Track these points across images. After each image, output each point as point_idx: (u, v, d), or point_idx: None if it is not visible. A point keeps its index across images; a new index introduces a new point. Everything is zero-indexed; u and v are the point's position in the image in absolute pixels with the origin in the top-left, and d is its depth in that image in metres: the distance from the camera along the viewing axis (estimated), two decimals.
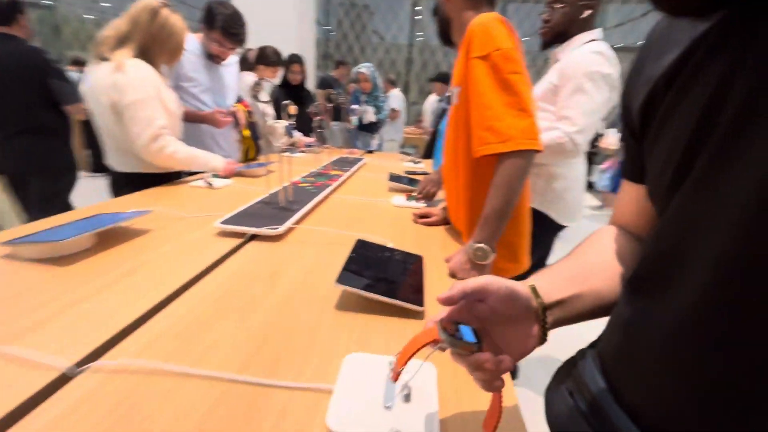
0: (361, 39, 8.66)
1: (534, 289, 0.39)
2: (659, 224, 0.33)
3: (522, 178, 0.79)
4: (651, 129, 0.36)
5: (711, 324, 0.27)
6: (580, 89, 1.20)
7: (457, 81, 0.94)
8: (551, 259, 1.54)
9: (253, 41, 2.23)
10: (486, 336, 0.38)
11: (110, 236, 0.86)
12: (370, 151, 2.76)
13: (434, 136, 1.93)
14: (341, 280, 0.64)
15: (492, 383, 0.35)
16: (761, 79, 0.24)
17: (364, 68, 2.98)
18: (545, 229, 1.40)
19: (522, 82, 0.78)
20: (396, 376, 0.36)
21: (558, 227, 1.45)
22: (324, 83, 3.76)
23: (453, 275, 0.81)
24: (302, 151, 2.43)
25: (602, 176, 4.53)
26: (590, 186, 4.94)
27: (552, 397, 0.45)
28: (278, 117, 2.11)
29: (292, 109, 1.03)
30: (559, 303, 0.40)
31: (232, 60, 1.73)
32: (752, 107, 0.25)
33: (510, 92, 0.78)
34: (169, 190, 1.31)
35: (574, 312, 0.41)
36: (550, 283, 0.42)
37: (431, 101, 4.13)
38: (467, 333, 0.34)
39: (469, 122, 0.87)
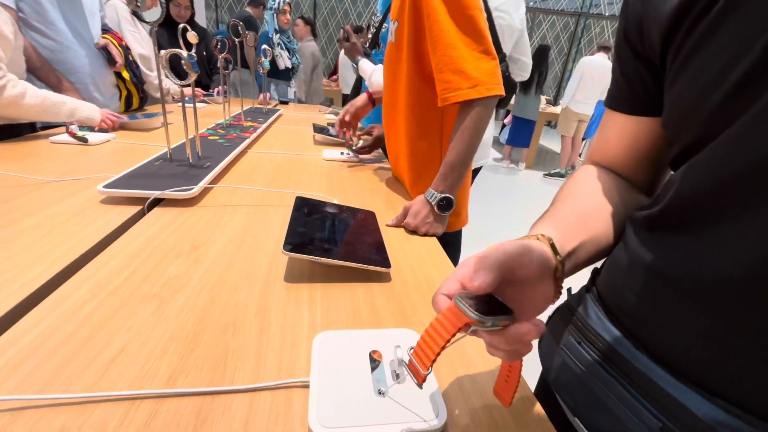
0: None
1: (553, 245, 0.33)
2: (716, 148, 0.28)
3: (486, 124, 0.73)
4: (684, 47, 0.30)
5: None
6: None
7: (396, 15, 0.82)
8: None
9: None
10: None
11: None
12: (285, 102, 2.48)
13: (358, 86, 1.77)
14: (290, 246, 0.52)
15: (521, 353, 0.29)
16: None
17: (280, 2, 2.51)
18: None
19: (483, 19, 0.70)
20: (422, 380, 0.27)
21: (474, 170, 1.46)
22: (251, 25, 3.19)
23: (415, 231, 0.73)
24: (203, 101, 2.06)
25: (505, 130, 4.87)
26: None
27: (550, 349, 0.42)
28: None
29: (192, 37, 0.79)
30: (569, 254, 0.34)
31: None
32: None
33: (474, 31, 0.69)
34: (19, 148, 0.97)
35: (579, 261, 0.36)
36: (560, 234, 0.36)
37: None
38: (494, 305, 0.27)
39: (421, 63, 0.78)
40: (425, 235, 0.73)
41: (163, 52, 0.74)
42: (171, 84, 1.72)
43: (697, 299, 0.28)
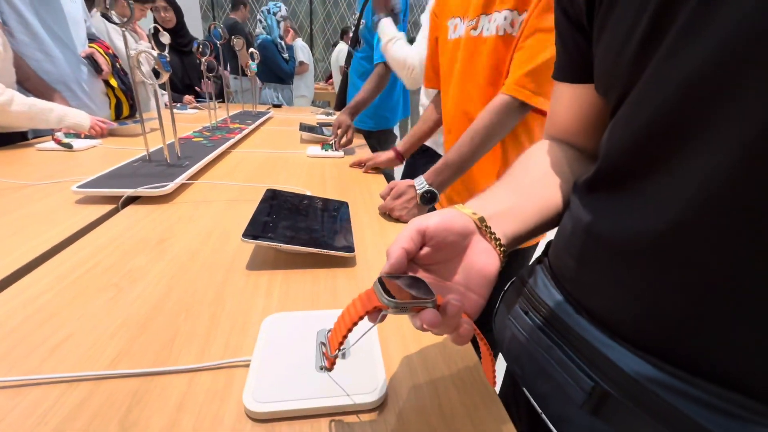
0: None
1: (461, 206, 0.33)
2: (630, 104, 0.28)
3: (500, 135, 0.74)
4: (603, 2, 0.30)
5: (730, 205, 0.22)
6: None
7: (513, 2, 0.70)
8: None
9: None
10: (439, 284, 0.30)
11: None
12: (278, 106, 2.50)
13: (345, 82, 1.77)
14: (249, 233, 0.52)
15: (460, 336, 0.28)
16: None
17: (283, 9, 2.55)
18: None
19: None
20: (331, 364, 0.27)
21: None
22: (236, 30, 3.24)
23: (389, 213, 0.73)
24: (195, 107, 2.09)
25: None
26: None
27: (503, 322, 0.41)
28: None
29: (165, 37, 0.80)
30: (499, 214, 0.34)
31: None
32: None
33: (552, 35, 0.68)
34: (3, 156, 0.98)
35: (524, 224, 0.35)
36: (482, 200, 0.36)
37: (342, 52, 3.85)
38: (411, 287, 0.26)
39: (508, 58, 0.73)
40: (397, 220, 0.72)
41: (133, 51, 0.75)
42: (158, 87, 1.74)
43: (625, 257, 0.27)
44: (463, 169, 0.75)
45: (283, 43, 2.53)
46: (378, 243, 0.64)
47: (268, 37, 2.50)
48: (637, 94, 0.26)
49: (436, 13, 0.89)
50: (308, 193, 0.78)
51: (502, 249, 0.32)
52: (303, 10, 7.84)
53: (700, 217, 0.23)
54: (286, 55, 2.58)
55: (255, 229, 0.54)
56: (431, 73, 0.95)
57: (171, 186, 0.74)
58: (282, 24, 2.49)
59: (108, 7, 0.71)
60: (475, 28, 0.77)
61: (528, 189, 0.39)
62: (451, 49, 0.83)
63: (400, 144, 1.05)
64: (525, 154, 0.45)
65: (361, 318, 0.25)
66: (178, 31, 2.23)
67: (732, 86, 0.21)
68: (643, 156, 0.26)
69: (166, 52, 0.79)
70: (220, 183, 0.86)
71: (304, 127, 1.42)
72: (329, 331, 0.27)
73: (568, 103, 0.41)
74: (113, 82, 1.46)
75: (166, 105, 1.92)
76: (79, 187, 0.71)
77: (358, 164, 1.08)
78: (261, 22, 2.56)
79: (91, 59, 1.34)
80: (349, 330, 0.25)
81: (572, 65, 0.39)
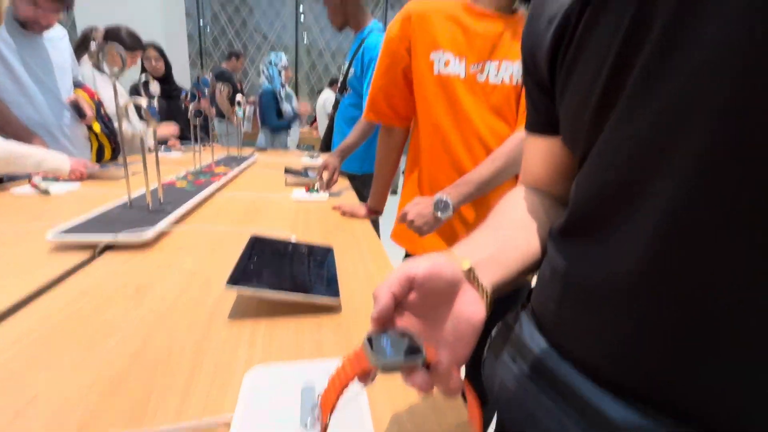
0: (241, 35, 8.05)
1: (453, 253, 0.34)
2: (589, 163, 0.31)
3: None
4: (563, 67, 0.34)
5: (674, 255, 0.24)
6: None
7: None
8: None
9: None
10: (426, 331, 0.31)
11: None
12: (263, 149, 2.54)
13: (331, 126, 1.83)
14: (233, 280, 0.51)
15: (450, 389, 0.28)
16: None
17: (284, 59, 2.70)
18: None
19: None
20: (324, 430, 0.26)
21: None
22: (223, 77, 3.35)
23: (410, 222, 0.78)
24: (179, 150, 2.10)
25: None
26: None
27: (491, 370, 0.41)
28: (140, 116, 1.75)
29: (155, 86, 0.83)
30: (485, 261, 0.35)
31: (59, 33, 1.35)
32: (683, 12, 0.23)
33: None
34: None
35: (508, 270, 0.37)
36: (469, 245, 0.38)
37: (328, 99, 4.01)
38: (400, 344, 0.26)
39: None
40: (415, 227, 0.78)
41: (123, 102, 0.77)
42: (136, 121, 1.75)
43: (598, 302, 0.29)
44: (482, 188, 0.79)
45: (283, 91, 2.65)
46: (364, 289, 0.63)
47: (269, 86, 2.61)
48: (596, 153, 0.29)
49: (409, 44, 0.85)
50: (293, 238, 0.78)
51: (488, 299, 0.33)
52: (289, 59, 8.22)
53: (654, 266, 0.25)
54: (286, 105, 2.68)
55: (239, 276, 0.53)
56: (385, 108, 0.93)
57: (151, 232, 0.73)
58: (283, 73, 2.61)
59: (100, 58, 0.73)
60: (481, 72, 0.81)
61: (510, 235, 0.41)
62: (440, 87, 0.84)
63: (369, 200, 1.07)
64: (504, 199, 0.47)
65: (352, 381, 0.25)
66: (166, 79, 2.29)
67: (662, 160, 0.24)
68: (604, 208, 0.28)
69: (155, 102, 0.81)
70: (202, 227, 0.85)
71: (289, 171, 1.44)
72: (319, 395, 0.27)
73: (540, 154, 0.44)
74: (96, 127, 1.46)
75: (150, 149, 1.94)
76: (54, 234, 0.69)
77: (339, 208, 1.09)
78: (263, 72, 2.67)
79: (75, 105, 1.36)
80: (341, 394, 0.25)
81: (541, 120, 0.42)
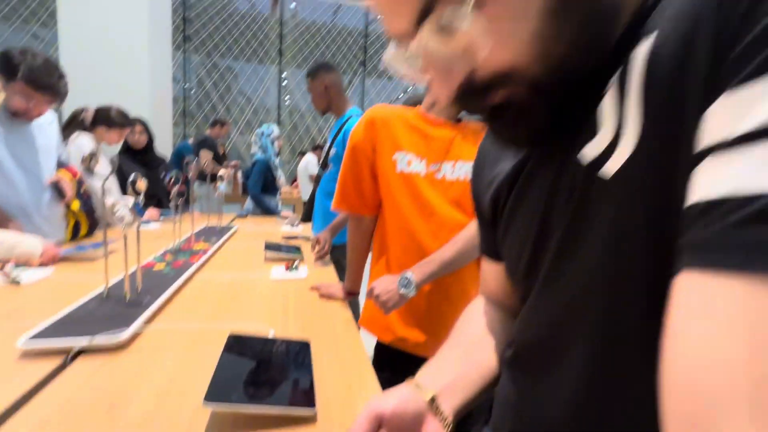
0: (225, 99, 8.43)
1: (418, 385, 0.38)
2: (526, 310, 0.36)
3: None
4: (501, 222, 0.40)
5: (593, 407, 0.29)
6: None
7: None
8: None
9: (100, 99, 1.89)
10: None
11: None
12: (243, 216, 2.58)
13: (312, 200, 1.92)
14: (211, 397, 0.52)
15: None
16: (573, 188, 0.29)
17: (276, 130, 2.84)
18: None
19: None
20: None
21: None
22: (206, 144, 3.47)
23: (376, 297, 0.84)
24: (158, 221, 2.10)
25: None
26: None
27: None
28: (123, 191, 1.79)
29: (141, 184, 0.87)
30: (449, 386, 0.39)
31: (48, 118, 1.40)
32: (576, 219, 0.29)
33: None
34: None
35: (470, 392, 0.41)
36: (434, 372, 0.42)
37: (311, 162, 4.17)
38: None
39: None
40: (380, 302, 0.85)
41: (109, 203, 0.80)
42: (124, 211, 1.77)
43: None
44: (444, 267, 0.86)
45: (276, 160, 2.78)
46: (340, 391, 0.65)
47: (263, 156, 2.73)
48: (529, 306, 0.35)
49: (374, 144, 0.96)
50: (271, 332, 0.80)
51: (449, 428, 0.36)
52: (271, 121, 8.58)
53: (577, 415, 0.30)
54: (279, 174, 2.81)
55: (216, 391, 0.54)
56: (355, 199, 1.02)
57: (126, 334, 0.73)
58: (276, 143, 2.76)
59: (92, 164, 0.78)
60: (439, 171, 0.93)
61: (470, 355, 0.45)
62: (404, 183, 0.94)
63: (345, 282, 1.11)
64: (465, 313, 0.52)
65: None
66: (147, 149, 2.37)
67: (573, 330, 0.30)
68: (539, 354, 0.34)
69: (140, 199, 0.85)
70: (179, 326, 0.85)
71: (269, 246, 1.47)
72: None
73: (493, 274, 0.50)
74: (75, 205, 1.47)
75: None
76: (25, 341, 0.68)
77: (316, 288, 1.11)
78: (256, 143, 2.81)
79: (55, 186, 1.38)
80: None
81: (490, 248, 0.48)
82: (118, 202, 1.81)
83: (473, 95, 0.27)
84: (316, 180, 1.86)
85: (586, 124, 0.26)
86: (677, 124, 0.20)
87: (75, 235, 1.54)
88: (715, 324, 0.16)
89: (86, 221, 1.56)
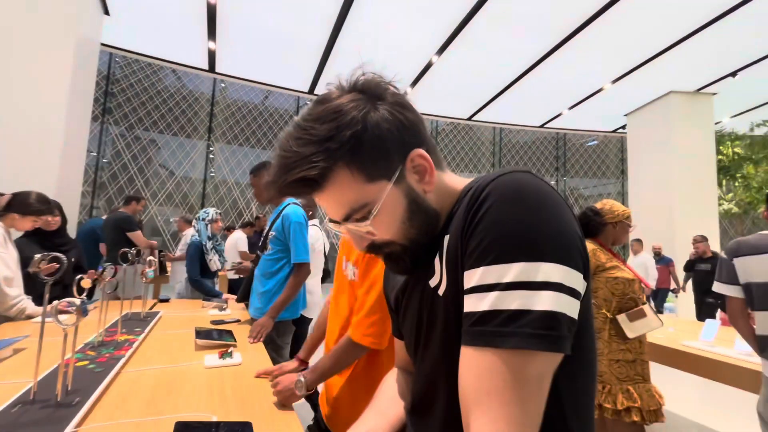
0: (145, 170, 8.11)
1: None
2: (415, 372, 0.56)
3: None
4: (400, 314, 0.61)
5: None
6: None
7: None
8: None
9: (5, 164, 1.81)
10: None
11: None
12: (164, 300, 2.47)
13: (250, 279, 2.00)
14: None
15: None
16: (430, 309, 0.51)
17: (212, 213, 2.84)
18: None
19: None
20: None
21: None
22: (125, 222, 3.32)
23: (278, 392, 0.99)
24: (64, 311, 1.94)
25: None
26: None
27: None
28: (27, 278, 1.69)
29: (86, 282, 0.93)
30: None
31: None
32: (429, 318, 0.51)
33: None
34: None
35: None
36: (358, 425, 0.59)
37: (240, 239, 4.16)
38: None
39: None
40: (276, 392, 1.00)
41: (54, 305, 0.85)
42: (28, 304, 1.65)
43: None
44: (327, 373, 1.03)
45: (211, 243, 2.77)
46: None
47: (197, 239, 2.74)
48: (416, 371, 0.55)
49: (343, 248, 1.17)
50: (214, 417, 0.86)
51: None
52: (195, 193, 8.35)
53: None
54: (213, 255, 2.78)
55: None
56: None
57: None
58: (210, 226, 2.79)
59: (39, 268, 0.84)
60: (345, 269, 1.11)
61: (384, 410, 0.63)
62: (340, 280, 1.14)
63: (301, 352, 1.24)
64: (383, 382, 0.70)
65: None
66: (59, 232, 2.26)
67: (434, 395, 0.50)
68: (422, 400, 0.53)
69: (84, 296, 0.90)
70: (117, 423, 0.87)
71: (200, 334, 1.49)
72: None
73: (401, 349, 0.69)
74: None
75: (31, 317, 1.78)
76: None
77: (265, 374, 1.18)
78: (194, 227, 2.85)
79: None
80: None
81: (397, 329, 0.68)
82: (21, 294, 1.69)
83: (374, 249, 0.50)
84: (255, 261, 1.96)
85: (431, 267, 0.49)
86: (457, 274, 0.44)
87: None
88: (471, 369, 0.38)
89: None
